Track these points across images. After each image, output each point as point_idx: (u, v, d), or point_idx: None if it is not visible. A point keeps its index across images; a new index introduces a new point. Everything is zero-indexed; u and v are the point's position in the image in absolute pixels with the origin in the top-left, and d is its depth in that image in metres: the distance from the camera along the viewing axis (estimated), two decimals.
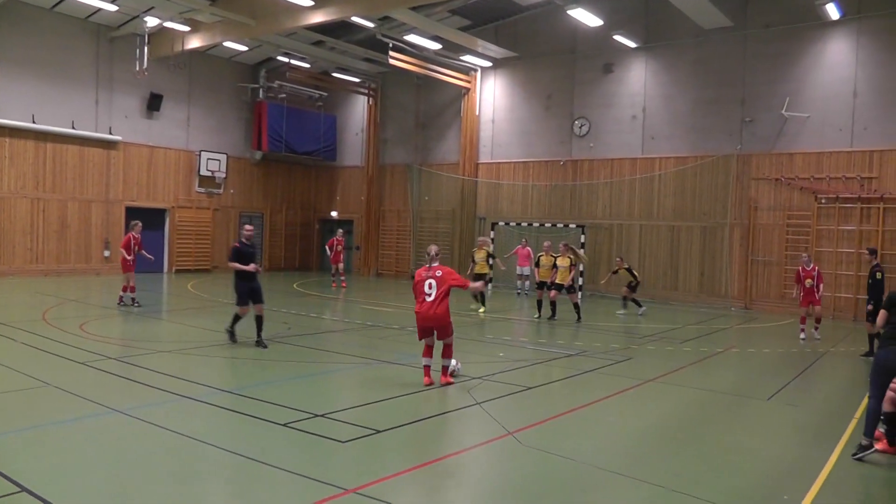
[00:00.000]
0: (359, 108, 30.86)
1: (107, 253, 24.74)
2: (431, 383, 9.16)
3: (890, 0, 19.14)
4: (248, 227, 12.13)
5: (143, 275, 20.69)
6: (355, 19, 22.29)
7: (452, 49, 25.35)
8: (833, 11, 19.33)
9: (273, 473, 5.90)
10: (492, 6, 24.79)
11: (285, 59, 27.75)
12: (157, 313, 15.79)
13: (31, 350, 10.83)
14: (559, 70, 24.95)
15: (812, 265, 15.09)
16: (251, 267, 11.66)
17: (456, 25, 25.09)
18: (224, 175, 28.11)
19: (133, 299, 16.25)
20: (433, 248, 9.64)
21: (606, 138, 23.92)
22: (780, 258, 20.73)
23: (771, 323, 18.26)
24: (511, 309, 18.35)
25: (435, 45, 24.68)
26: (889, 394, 6.94)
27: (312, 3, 19.87)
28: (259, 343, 11.69)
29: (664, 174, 22.70)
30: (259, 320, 11.80)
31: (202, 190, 27.70)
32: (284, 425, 7.19)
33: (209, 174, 27.60)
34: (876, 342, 9.82)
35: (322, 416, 7.61)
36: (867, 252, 13.63)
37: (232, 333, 12.00)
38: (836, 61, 19.97)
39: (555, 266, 16.89)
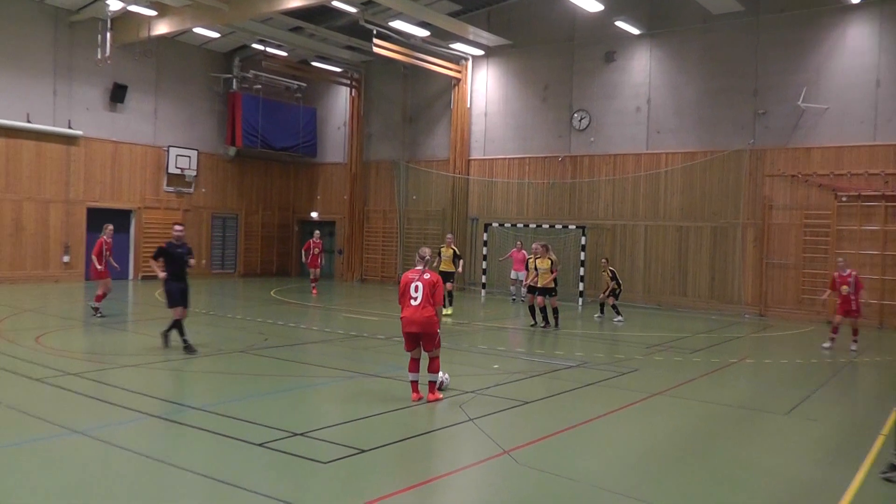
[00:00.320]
0: (341, 101, 30.83)
1: (66, 258, 24.57)
2: (420, 398, 9.13)
3: None
4: (177, 226, 12.71)
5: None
6: (336, 4, 22.26)
7: (441, 36, 25.35)
8: None
9: (249, 499, 5.84)
10: None
11: (261, 47, 27.68)
12: (121, 324, 15.68)
13: None
14: (557, 59, 24.99)
15: (848, 271, 15.05)
16: (161, 275, 12.23)
17: (445, 11, 25.10)
18: (195, 173, 28.00)
19: (96, 309, 16.17)
20: (426, 251, 9.62)
21: (608, 132, 23.97)
22: (797, 261, 20.79)
23: (788, 331, 18.31)
24: (506, 316, 18.33)
25: (423, 32, 24.67)
26: None
27: None
28: (187, 348, 12.11)
29: (671, 171, 22.76)
30: (179, 324, 12.29)
31: (171, 189, 27.58)
32: (261, 445, 7.13)
33: (178, 172, 27.49)
34: None
35: (302, 434, 7.56)
36: None
37: (167, 338, 12.48)
38: (857, 48, 20.07)
39: (535, 269, 16.92)
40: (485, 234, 25.38)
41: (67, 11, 24.35)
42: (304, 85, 30.84)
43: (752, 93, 21.47)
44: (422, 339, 9.24)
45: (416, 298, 9.17)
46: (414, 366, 9.34)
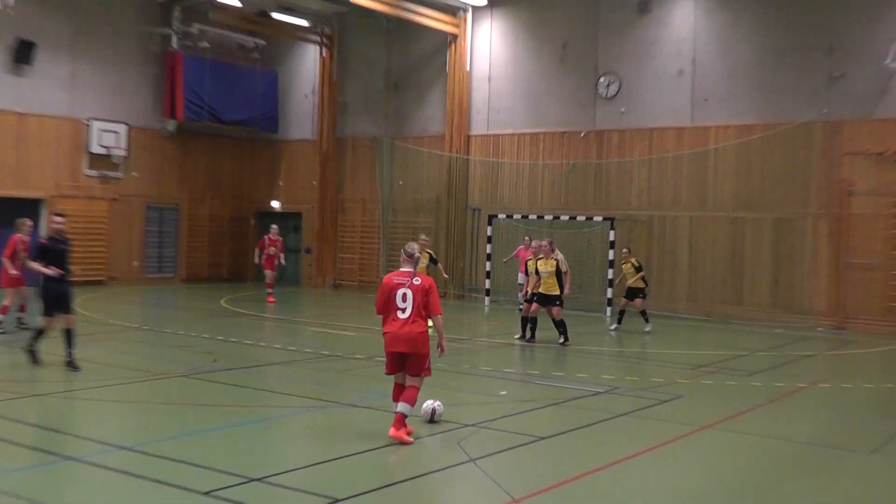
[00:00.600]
0: (309, 62, 30.78)
1: None
2: (410, 432, 9.03)
3: None
4: (57, 217, 13.14)
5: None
6: None
7: None
8: None
9: None
10: None
11: None
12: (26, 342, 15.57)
13: None
14: (578, 9, 25.00)
15: None
16: (51, 271, 12.32)
17: None
18: (124, 153, 27.89)
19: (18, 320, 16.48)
20: (414, 247, 9.51)
21: (642, 101, 23.96)
22: (885, 260, 20.75)
23: (873, 348, 18.30)
24: (514, 330, 18.30)
25: None
26: None
27: None
28: (70, 364, 12.25)
29: (722, 148, 22.75)
30: (69, 335, 12.45)
31: (94, 173, 27.48)
32: (207, 494, 7.05)
33: (103, 151, 27.38)
34: None
35: (259, 480, 7.49)
36: None
37: (33, 353, 12.56)
38: None
39: (537, 272, 17.05)
40: (489, 229, 25.35)
41: None
42: (263, 43, 30.76)
43: (825, 50, 21.44)
44: (408, 360, 9.16)
45: (403, 310, 9.08)
46: (399, 393, 9.25)
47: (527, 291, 17.82)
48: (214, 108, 29.20)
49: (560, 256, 17.28)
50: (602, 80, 24.59)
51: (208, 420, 10.01)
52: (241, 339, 16.80)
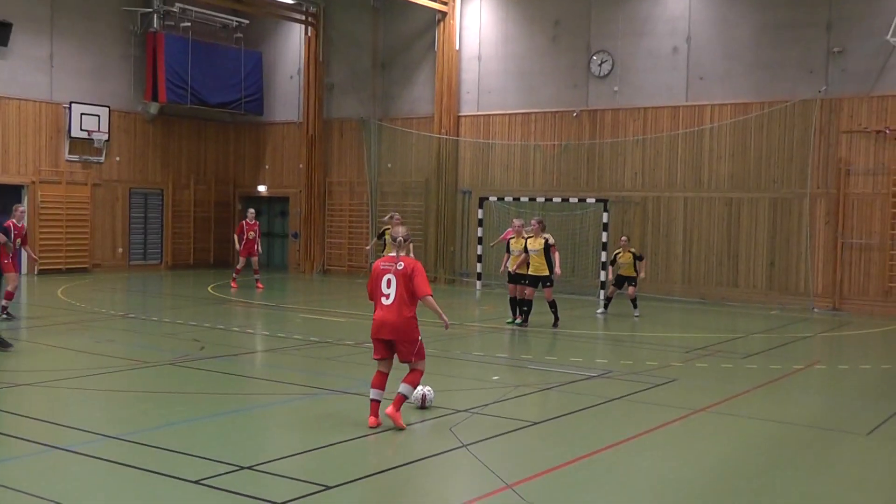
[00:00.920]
0: (294, 42, 30.69)
1: None
2: (379, 424, 8.99)
3: None
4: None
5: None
6: None
7: None
8: None
9: None
10: None
11: None
12: (14, 331, 15.57)
13: None
14: None
15: None
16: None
17: None
18: (106, 137, 27.81)
19: (3, 308, 16.51)
20: (400, 231, 9.56)
21: (637, 79, 23.97)
22: (883, 240, 20.85)
23: (871, 329, 18.41)
24: (505, 315, 18.37)
25: None
26: None
27: None
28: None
29: (718, 127, 22.79)
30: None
31: (75, 158, 27.40)
32: (197, 483, 7.10)
33: (85, 135, 27.29)
34: None
35: (249, 468, 7.55)
36: None
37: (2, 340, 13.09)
38: None
39: (525, 250, 17.13)
40: (479, 212, 25.36)
41: None
42: (247, 22, 30.65)
43: (824, 26, 21.48)
44: (397, 347, 9.23)
45: (388, 296, 9.13)
46: (379, 380, 9.24)
47: (505, 268, 17.84)
48: (197, 90, 29.10)
49: (548, 235, 17.36)
50: (595, 58, 24.58)
51: (197, 408, 10.05)
52: (228, 326, 16.88)
